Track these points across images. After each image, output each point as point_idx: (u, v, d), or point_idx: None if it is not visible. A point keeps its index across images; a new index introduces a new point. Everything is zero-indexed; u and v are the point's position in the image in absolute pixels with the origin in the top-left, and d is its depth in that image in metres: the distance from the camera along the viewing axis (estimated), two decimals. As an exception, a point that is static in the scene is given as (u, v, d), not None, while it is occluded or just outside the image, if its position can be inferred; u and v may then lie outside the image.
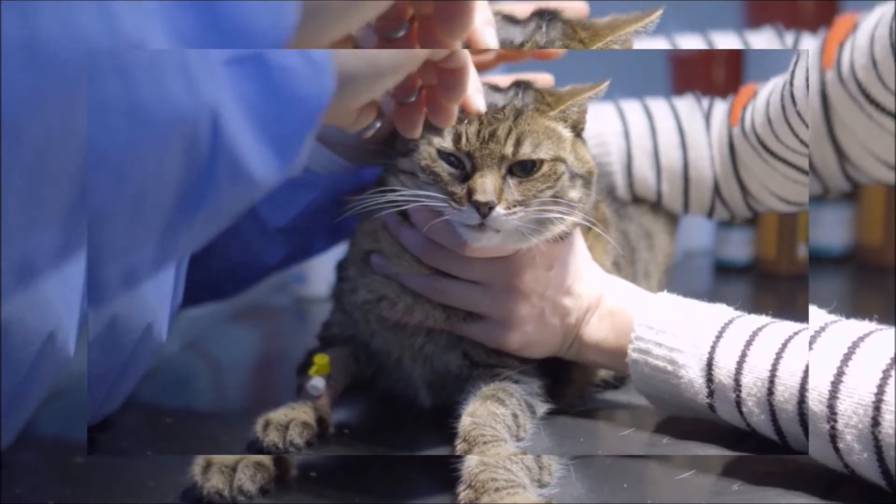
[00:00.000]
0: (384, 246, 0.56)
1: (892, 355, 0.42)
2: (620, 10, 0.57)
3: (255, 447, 0.50)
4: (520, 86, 0.53)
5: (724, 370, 0.49)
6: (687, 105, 0.80)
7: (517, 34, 0.54)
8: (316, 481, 0.48)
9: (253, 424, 0.51)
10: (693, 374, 0.51)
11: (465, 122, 0.50)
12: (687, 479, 0.47)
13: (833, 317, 0.47)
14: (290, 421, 0.51)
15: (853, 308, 0.48)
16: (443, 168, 0.51)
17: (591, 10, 0.58)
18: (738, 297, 0.55)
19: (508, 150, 0.50)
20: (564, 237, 0.54)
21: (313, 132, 0.32)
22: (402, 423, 0.59)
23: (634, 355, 0.54)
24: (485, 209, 0.49)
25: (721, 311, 0.53)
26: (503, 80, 0.54)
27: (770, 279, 1.11)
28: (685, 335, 0.52)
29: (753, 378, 0.48)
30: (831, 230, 1.16)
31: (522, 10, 0.55)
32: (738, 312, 0.53)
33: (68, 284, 0.40)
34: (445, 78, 0.41)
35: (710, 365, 0.50)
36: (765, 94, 0.70)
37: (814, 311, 0.48)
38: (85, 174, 0.27)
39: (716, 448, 0.51)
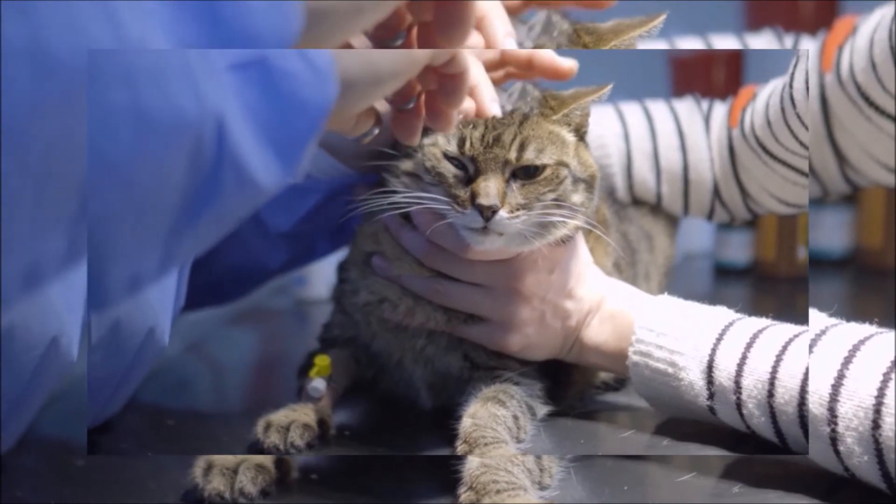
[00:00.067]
0: (385, 248, 0.56)
1: (893, 358, 0.42)
2: (622, 15, 0.58)
3: (256, 449, 0.50)
4: (525, 88, 0.53)
5: (724, 372, 0.49)
6: (686, 107, 0.80)
7: (523, 38, 0.55)
8: (317, 483, 0.48)
9: (254, 426, 0.51)
10: (693, 376, 0.51)
11: (470, 125, 0.50)
12: (687, 482, 0.48)
13: (833, 320, 0.47)
14: (290, 422, 0.51)
15: (853, 311, 0.48)
16: (447, 169, 0.51)
17: (595, 15, 0.58)
18: (737, 300, 0.55)
19: (512, 154, 0.50)
20: (566, 240, 0.54)
21: (316, 138, 0.32)
22: (403, 425, 0.59)
23: (635, 358, 0.54)
24: (488, 213, 0.49)
25: (721, 314, 0.53)
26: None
27: (770, 281, 1.11)
28: (686, 338, 0.52)
29: (754, 380, 0.48)
30: (831, 233, 1.16)
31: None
32: (739, 315, 0.53)
33: (72, 289, 0.40)
34: (445, 83, 0.41)
35: (710, 367, 0.50)
36: (764, 96, 0.70)
37: (814, 315, 0.48)
38: (86, 179, 0.27)
39: (716, 449, 0.51)
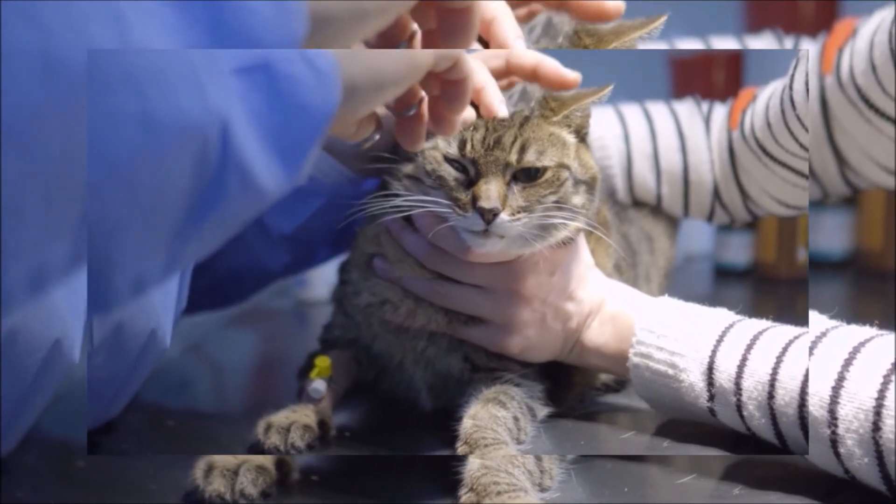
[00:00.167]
0: (387, 250, 0.57)
1: (893, 360, 0.42)
2: (622, 16, 0.58)
3: (257, 450, 0.50)
4: (525, 90, 0.53)
5: (724, 374, 0.49)
6: (687, 109, 0.81)
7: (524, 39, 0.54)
8: (318, 484, 0.48)
9: (254, 427, 0.52)
10: (694, 377, 0.51)
11: (471, 128, 0.50)
12: (688, 483, 0.48)
13: (834, 322, 0.47)
14: (291, 424, 0.51)
15: (853, 313, 0.49)
16: (448, 173, 0.51)
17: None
18: (737, 301, 0.55)
19: (513, 157, 0.50)
20: (567, 242, 0.54)
21: (320, 142, 0.32)
22: (404, 426, 0.59)
23: (635, 359, 0.54)
24: (489, 216, 0.49)
25: (722, 316, 0.53)
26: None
27: (770, 283, 1.11)
28: (686, 339, 0.52)
29: (754, 382, 0.48)
30: (831, 235, 1.16)
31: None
32: (739, 317, 0.53)
33: (75, 292, 0.40)
34: (448, 89, 0.41)
35: (710, 369, 0.50)
36: (764, 97, 0.71)
37: (814, 317, 0.48)
38: (87, 181, 0.27)
39: (716, 450, 0.51)
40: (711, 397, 0.51)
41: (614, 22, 0.56)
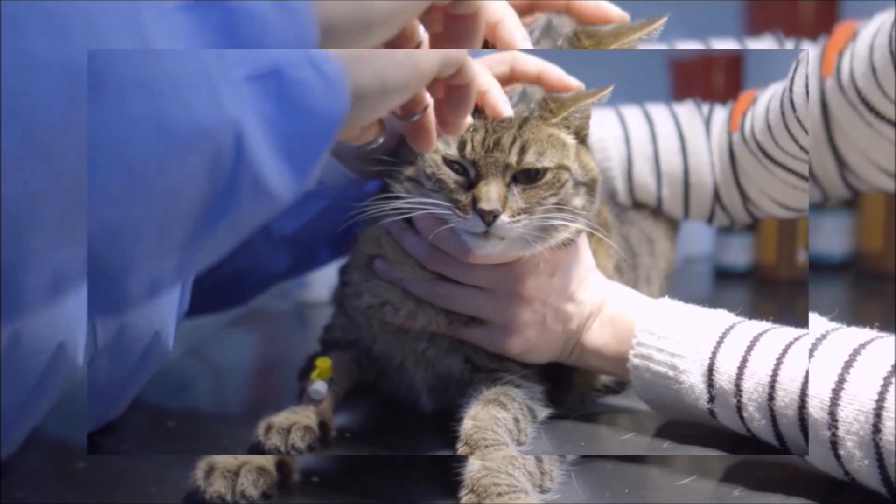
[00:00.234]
0: (387, 251, 0.57)
1: (893, 363, 0.42)
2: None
3: (257, 451, 0.50)
4: (525, 91, 0.53)
5: (725, 376, 0.50)
6: (687, 111, 0.81)
7: None
8: (318, 485, 0.48)
9: (255, 428, 0.52)
10: (694, 379, 0.51)
11: (471, 129, 0.51)
12: (688, 485, 0.48)
13: (834, 324, 0.47)
14: (291, 425, 0.51)
15: (853, 315, 0.49)
16: (448, 175, 0.51)
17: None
18: (737, 303, 0.55)
19: (513, 158, 0.50)
20: (568, 244, 0.54)
21: (329, 148, 0.33)
22: (404, 427, 0.59)
23: (636, 361, 0.54)
24: (489, 217, 0.49)
25: (722, 317, 0.53)
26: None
27: (770, 285, 1.11)
28: (686, 341, 0.52)
29: (754, 383, 0.48)
30: (831, 238, 1.17)
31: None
32: (739, 318, 0.53)
33: (80, 295, 0.40)
34: (452, 93, 0.41)
35: (711, 370, 0.50)
36: (764, 100, 0.71)
37: (814, 319, 0.48)
38: (87, 186, 0.27)
39: (716, 451, 0.51)
40: (711, 399, 0.51)
41: (614, 24, 0.56)
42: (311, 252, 0.70)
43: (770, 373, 0.47)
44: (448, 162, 0.51)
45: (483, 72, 0.50)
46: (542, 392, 0.56)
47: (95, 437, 0.55)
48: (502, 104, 0.50)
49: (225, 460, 0.46)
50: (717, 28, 0.91)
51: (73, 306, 0.42)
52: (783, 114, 0.66)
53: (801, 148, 0.67)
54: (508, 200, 0.50)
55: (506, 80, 0.54)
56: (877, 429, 0.41)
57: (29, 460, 0.50)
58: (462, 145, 0.51)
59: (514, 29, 0.49)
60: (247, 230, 0.33)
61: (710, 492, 0.47)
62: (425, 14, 0.38)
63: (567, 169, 0.52)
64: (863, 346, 0.44)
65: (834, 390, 0.43)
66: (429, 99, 0.42)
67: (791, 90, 0.65)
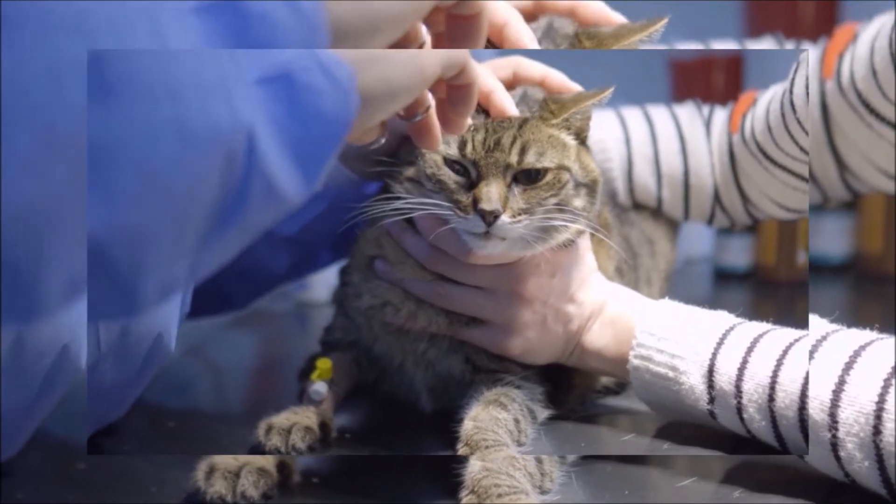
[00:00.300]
0: (388, 252, 0.57)
1: (893, 364, 0.42)
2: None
3: (258, 452, 0.50)
4: (526, 93, 0.54)
5: (725, 377, 0.50)
6: (687, 112, 0.81)
7: None
8: (318, 486, 0.48)
9: (255, 429, 0.52)
10: (694, 380, 0.51)
11: (472, 129, 0.51)
12: (688, 486, 0.48)
13: (834, 326, 0.47)
14: (292, 425, 0.51)
15: (853, 317, 0.49)
16: (448, 176, 0.51)
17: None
18: (737, 304, 0.55)
19: (513, 158, 0.51)
20: (568, 244, 0.54)
21: (337, 151, 0.33)
22: (404, 428, 0.59)
23: (636, 362, 0.54)
24: (490, 217, 0.49)
25: (722, 318, 0.53)
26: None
27: (770, 286, 1.11)
28: (686, 342, 0.52)
29: (754, 384, 0.48)
30: (831, 239, 1.17)
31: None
32: (739, 319, 0.53)
33: (83, 298, 0.41)
34: (455, 93, 0.41)
35: (711, 371, 0.50)
36: (764, 101, 0.71)
37: (814, 320, 0.48)
38: (87, 187, 0.28)
39: (716, 452, 0.51)
40: (712, 400, 0.51)
41: (615, 25, 0.56)
42: (311, 253, 0.70)
43: (770, 374, 0.47)
44: (449, 162, 0.52)
45: (486, 73, 0.51)
46: (542, 393, 0.56)
47: (96, 437, 0.55)
48: (507, 104, 0.50)
49: (225, 461, 0.46)
50: (717, 30, 0.91)
51: (78, 309, 0.42)
52: (783, 115, 0.66)
53: (802, 149, 0.67)
54: (509, 201, 0.50)
55: (509, 84, 0.54)
56: (877, 430, 0.41)
57: (29, 461, 0.50)
58: (462, 145, 0.51)
59: (522, 30, 0.50)
60: (256, 233, 0.33)
61: (710, 493, 0.47)
62: (428, 14, 0.39)
63: (567, 169, 0.52)
64: (863, 347, 0.44)
65: (834, 392, 0.43)
66: (431, 100, 0.42)
67: (791, 91, 0.65)
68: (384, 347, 0.59)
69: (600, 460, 0.51)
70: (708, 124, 0.80)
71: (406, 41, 0.40)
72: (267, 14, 0.30)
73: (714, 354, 0.51)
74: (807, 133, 0.65)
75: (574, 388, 0.60)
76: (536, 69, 0.55)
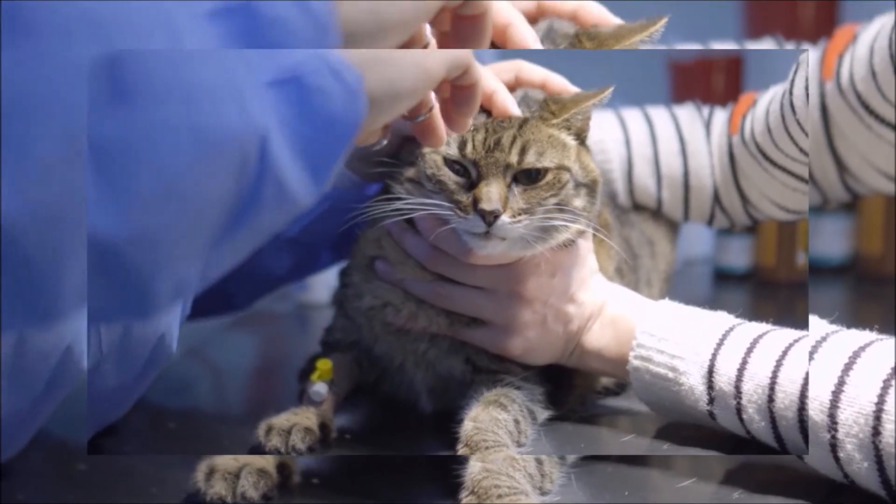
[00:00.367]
0: (388, 252, 0.57)
1: (893, 365, 0.42)
2: (623, 19, 0.58)
3: (258, 453, 0.50)
4: (527, 94, 0.54)
5: (724, 377, 0.50)
6: (687, 113, 0.81)
7: None
8: (319, 487, 0.48)
9: (255, 429, 0.52)
10: (694, 381, 0.51)
11: (472, 129, 0.51)
12: (688, 487, 0.48)
13: (834, 327, 0.47)
14: (292, 426, 0.51)
15: (853, 318, 0.49)
16: (448, 176, 0.51)
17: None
18: (737, 305, 0.55)
19: (513, 158, 0.51)
20: (569, 245, 0.55)
21: (346, 154, 0.33)
22: (405, 428, 0.59)
23: (636, 362, 0.54)
24: (490, 217, 0.49)
25: (722, 319, 0.53)
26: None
27: (769, 287, 1.11)
28: (686, 343, 0.52)
29: (754, 385, 0.48)
30: (831, 240, 1.17)
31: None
32: (739, 320, 0.53)
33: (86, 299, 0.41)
34: (458, 94, 0.42)
35: (710, 372, 0.50)
36: (764, 102, 0.71)
37: (814, 321, 0.48)
38: (86, 191, 0.28)
39: (716, 453, 0.51)
40: (711, 400, 0.51)
41: (615, 25, 0.56)
42: (312, 254, 0.70)
43: (770, 375, 0.47)
44: (449, 162, 0.52)
45: (488, 74, 0.51)
46: (542, 394, 0.57)
47: (96, 437, 0.55)
48: (510, 104, 0.51)
49: (225, 462, 0.46)
50: (716, 31, 0.91)
51: (81, 310, 0.43)
52: (783, 116, 0.66)
53: (801, 150, 0.67)
54: (509, 201, 0.50)
55: (510, 87, 0.55)
56: (876, 431, 0.41)
57: (30, 461, 0.50)
58: (463, 145, 0.51)
59: (525, 31, 0.50)
60: (265, 235, 0.33)
61: (710, 494, 0.47)
62: (434, 15, 0.39)
63: (568, 170, 0.53)
64: (863, 348, 0.44)
65: (834, 393, 0.43)
66: (434, 100, 0.42)
67: (791, 93, 0.65)
68: (384, 348, 0.59)
69: (600, 461, 0.51)
70: (708, 125, 0.80)
71: (411, 42, 0.40)
72: (279, 17, 0.30)
73: (714, 355, 0.51)
74: (806, 134, 0.65)
75: (574, 389, 0.60)
76: (538, 73, 0.55)
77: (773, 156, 0.70)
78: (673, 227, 0.82)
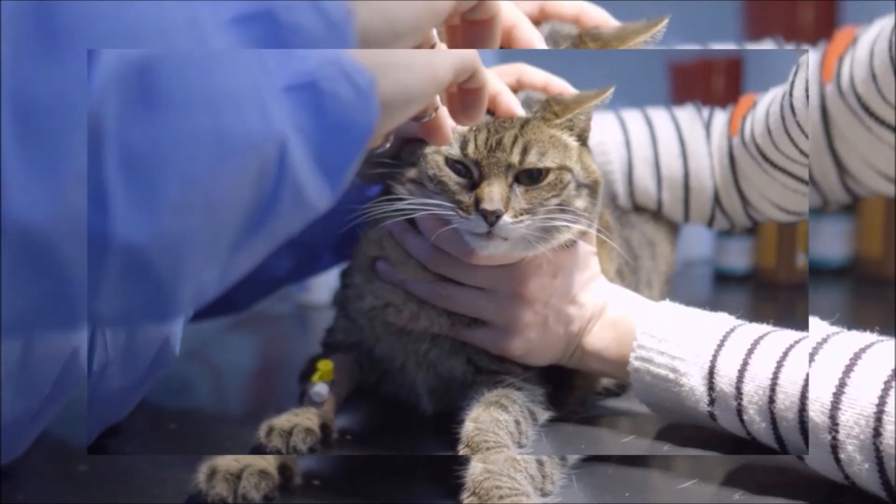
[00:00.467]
0: (390, 253, 0.57)
1: (894, 367, 0.42)
2: (623, 20, 0.58)
3: (259, 453, 0.50)
4: (529, 96, 0.54)
5: (725, 378, 0.50)
6: (687, 115, 0.81)
7: None
8: (320, 489, 0.48)
9: (256, 430, 0.52)
10: (695, 382, 0.51)
11: (474, 129, 0.51)
12: (689, 488, 0.48)
13: (834, 328, 0.48)
14: (293, 427, 0.51)
15: (853, 320, 0.49)
16: (450, 177, 0.52)
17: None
18: (737, 307, 0.55)
19: (515, 158, 0.51)
20: (570, 245, 0.55)
21: (360, 158, 0.34)
22: (406, 429, 0.59)
23: (636, 363, 0.54)
24: (492, 217, 0.49)
25: (723, 320, 0.53)
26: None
27: (769, 288, 1.11)
28: (687, 344, 0.52)
29: (755, 386, 0.48)
30: (831, 242, 1.17)
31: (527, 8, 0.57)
32: (740, 321, 0.53)
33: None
34: (465, 97, 0.43)
35: (711, 373, 0.51)
36: (764, 104, 0.71)
37: (815, 323, 0.48)
38: (88, 191, 0.28)
39: (716, 453, 0.51)
40: (712, 401, 0.51)
41: (617, 26, 0.57)
42: (313, 255, 0.70)
43: (771, 376, 0.47)
44: (450, 162, 0.52)
45: (492, 76, 0.51)
46: (543, 395, 0.57)
47: (97, 438, 0.55)
48: (515, 105, 0.51)
49: (227, 463, 0.46)
50: (716, 33, 0.91)
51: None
52: (783, 118, 0.66)
53: (801, 152, 0.67)
54: (511, 201, 0.50)
55: (513, 90, 0.55)
56: (877, 433, 0.41)
57: (31, 462, 0.50)
58: (464, 145, 0.51)
59: (531, 32, 0.51)
60: (280, 240, 0.34)
61: (710, 495, 0.47)
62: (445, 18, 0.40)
63: (569, 170, 0.53)
64: (863, 350, 0.44)
65: (834, 394, 0.43)
66: (439, 101, 0.43)
67: (791, 94, 0.65)
68: (386, 349, 0.59)
69: (601, 462, 0.51)
70: (708, 127, 0.80)
71: (419, 44, 0.40)
72: (300, 24, 0.31)
73: (714, 356, 0.51)
74: (806, 136, 0.65)
75: (575, 390, 0.60)
76: (539, 76, 0.56)
77: (774, 157, 0.70)
78: (673, 229, 0.82)
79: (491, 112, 0.52)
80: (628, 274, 0.66)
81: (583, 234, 0.55)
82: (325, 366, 0.57)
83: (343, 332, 0.62)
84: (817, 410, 0.44)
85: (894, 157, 0.69)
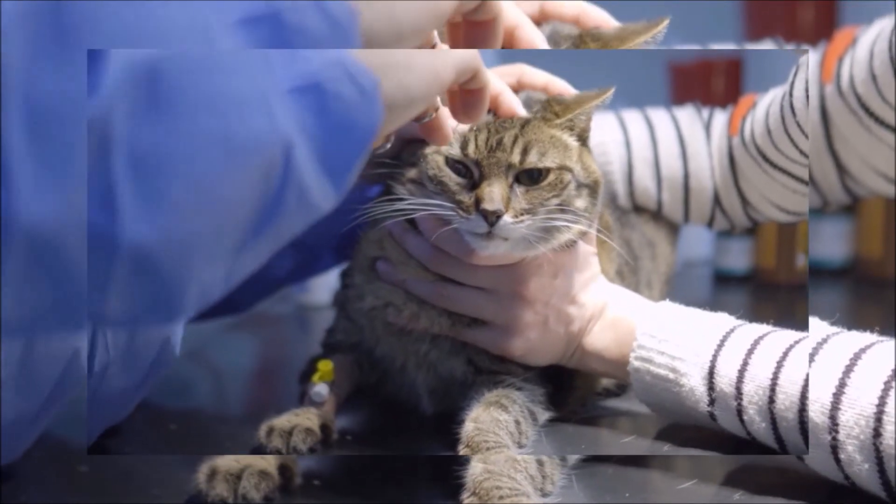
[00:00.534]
0: (390, 253, 0.57)
1: (894, 367, 0.42)
2: (623, 21, 0.58)
3: (259, 454, 0.50)
4: (529, 97, 0.54)
5: (725, 378, 0.50)
6: (687, 115, 0.81)
7: None
8: (320, 489, 0.48)
9: (256, 431, 0.52)
10: (695, 382, 0.51)
11: (474, 129, 0.51)
12: (689, 488, 0.48)
13: (834, 328, 0.48)
14: (293, 427, 0.51)
15: (853, 320, 0.49)
16: (450, 177, 0.52)
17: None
18: (737, 307, 0.55)
19: (515, 158, 0.51)
20: (571, 245, 0.55)
21: (364, 159, 0.34)
22: (406, 429, 0.59)
23: (636, 364, 0.54)
24: (493, 217, 0.49)
25: (723, 320, 0.53)
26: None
27: (769, 289, 1.12)
28: (687, 344, 0.52)
29: (755, 386, 0.48)
30: (831, 243, 1.17)
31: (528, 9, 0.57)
32: (740, 321, 0.53)
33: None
34: (467, 97, 0.43)
35: (711, 373, 0.51)
36: (764, 104, 0.71)
37: (815, 323, 0.48)
38: (88, 192, 0.28)
39: (717, 454, 0.51)
40: (712, 402, 0.51)
41: (618, 27, 0.57)
42: (313, 256, 0.70)
43: (771, 376, 0.47)
44: (451, 163, 0.52)
45: (494, 76, 0.52)
46: (543, 395, 0.57)
47: (97, 439, 0.55)
48: (516, 105, 0.52)
49: (227, 463, 0.46)
50: (716, 33, 0.91)
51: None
52: (783, 118, 0.67)
53: (801, 152, 0.67)
54: (511, 201, 0.50)
55: (513, 91, 0.55)
56: (877, 433, 0.41)
57: (32, 463, 0.50)
58: (465, 145, 0.51)
59: (533, 32, 0.51)
60: (285, 240, 0.34)
61: (710, 495, 0.47)
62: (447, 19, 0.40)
63: (569, 170, 0.53)
64: (863, 350, 0.44)
65: (835, 394, 0.43)
66: (438, 101, 0.43)
67: (791, 94, 0.65)
68: (386, 349, 0.59)
69: (601, 462, 0.51)
70: (708, 127, 0.80)
71: (421, 44, 0.41)
72: (305, 25, 0.31)
73: (714, 356, 0.51)
74: (806, 136, 0.65)
75: (575, 390, 0.60)
76: (540, 76, 0.56)
77: (773, 157, 0.70)
78: (673, 229, 0.83)
79: (492, 112, 0.52)
80: (628, 274, 0.66)
81: (583, 235, 0.56)
82: (326, 366, 0.57)
83: (343, 333, 0.62)
84: (817, 411, 0.44)
85: (894, 157, 0.69)
